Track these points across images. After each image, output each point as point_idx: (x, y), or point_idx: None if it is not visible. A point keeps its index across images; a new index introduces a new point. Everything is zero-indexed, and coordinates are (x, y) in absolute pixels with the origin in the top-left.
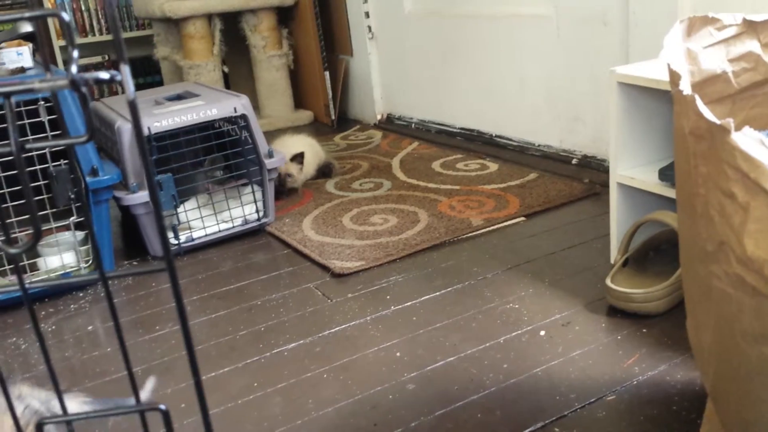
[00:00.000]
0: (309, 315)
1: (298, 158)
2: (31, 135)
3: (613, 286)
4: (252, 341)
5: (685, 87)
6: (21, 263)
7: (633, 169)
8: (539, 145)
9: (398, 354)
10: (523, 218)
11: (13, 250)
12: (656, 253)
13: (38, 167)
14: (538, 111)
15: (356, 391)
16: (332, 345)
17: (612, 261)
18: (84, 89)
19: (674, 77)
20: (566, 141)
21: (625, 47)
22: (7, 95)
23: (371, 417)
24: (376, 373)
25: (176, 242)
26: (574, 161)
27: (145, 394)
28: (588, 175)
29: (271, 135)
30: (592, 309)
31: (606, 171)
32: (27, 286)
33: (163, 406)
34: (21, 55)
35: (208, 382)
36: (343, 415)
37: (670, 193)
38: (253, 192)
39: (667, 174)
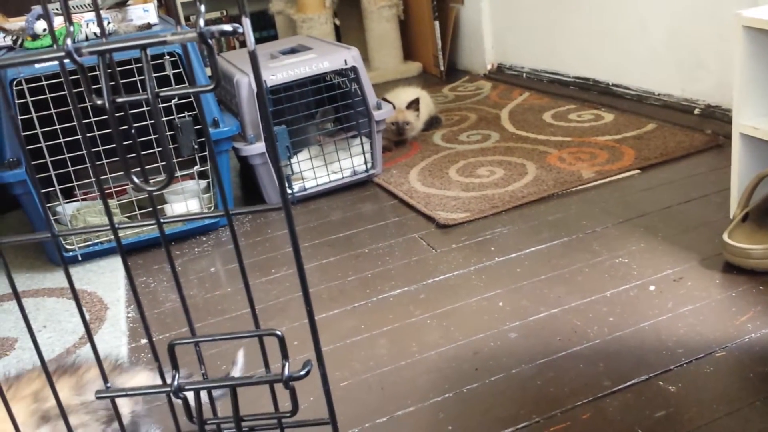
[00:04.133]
0: (414, 264)
1: (414, 104)
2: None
3: (730, 242)
4: (360, 286)
5: None
6: (152, 207)
7: (758, 118)
8: (659, 94)
9: (501, 304)
10: (638, 171)
11: (149, 188)
12: None
13: (164, 119)
14: (658, 58)
15: (458, 337)
16: (436, 293)
17: (731, 216)
18: (210, 41)
19: None
20: (688, 89)
21: None
22: (143, 47)
23: (473, 362)
24: (478, 321)
25: (290, 192)
26: (696, 111)
27: (236, 371)
28: (711, 126)
29: (380, 87)
30: (707, 265)
31: (731, 122)
32: (162, 221)
33: (279, 332)
34: (147, 12)
35: (319, 322)
36: (445, 359)
37: None
38: (361, 144)
39: None
